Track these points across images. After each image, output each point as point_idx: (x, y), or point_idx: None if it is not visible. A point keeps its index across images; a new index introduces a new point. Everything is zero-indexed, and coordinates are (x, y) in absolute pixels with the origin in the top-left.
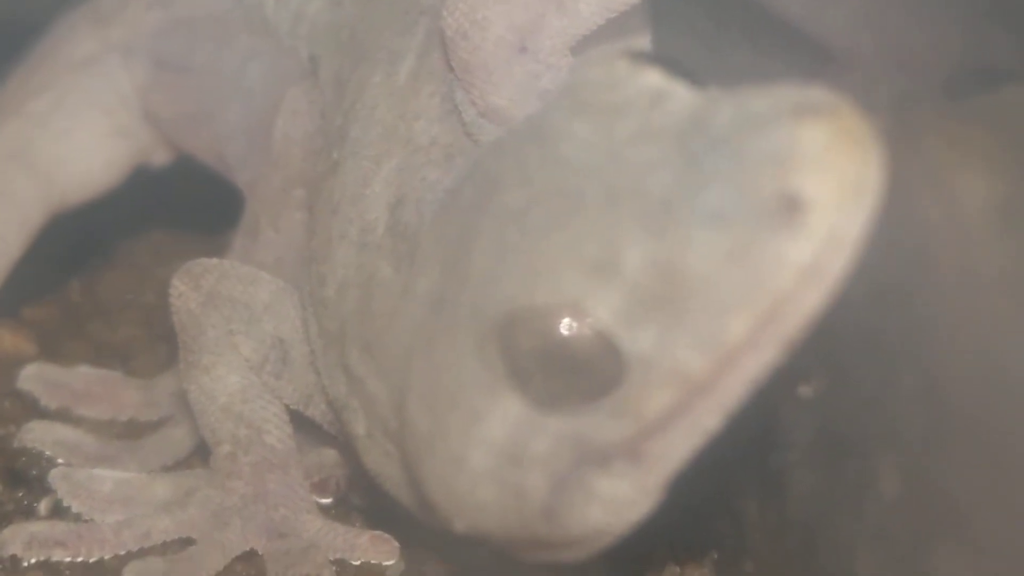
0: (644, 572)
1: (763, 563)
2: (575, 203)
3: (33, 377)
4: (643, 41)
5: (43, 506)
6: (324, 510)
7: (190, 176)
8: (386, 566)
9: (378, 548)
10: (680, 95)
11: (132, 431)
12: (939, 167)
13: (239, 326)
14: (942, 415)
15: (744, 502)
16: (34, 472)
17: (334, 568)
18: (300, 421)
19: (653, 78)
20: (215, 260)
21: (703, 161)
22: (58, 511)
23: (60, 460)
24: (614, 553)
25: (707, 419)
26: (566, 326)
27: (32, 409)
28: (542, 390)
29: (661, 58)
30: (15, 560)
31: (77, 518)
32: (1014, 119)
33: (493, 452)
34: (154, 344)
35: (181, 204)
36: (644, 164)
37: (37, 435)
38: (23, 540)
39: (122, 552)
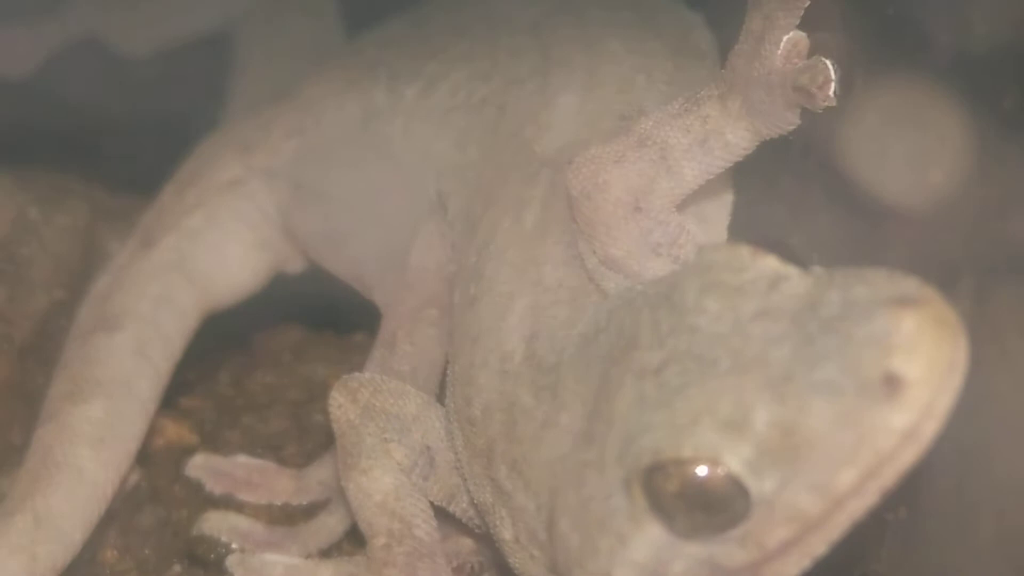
0: None
1: None
2: (708, 368)
3: (200, 466)
4: (728, 197)
5: None
6: None
7: (320, 281)
8: None
9: None
10: (794, 278)
11: (286, 514)
12: (1013, 350)
13: (392, 435)
14: (1013, 555)
15: None
16: (212, 556)
17: None
18: (440, 514)
19: (771, 263)
20: (368, 375)
21: (817, 339)
22: None
23: (234, 545)
24: None
25: (816, 548)
26: (705, 473)
27: (198, 494)
28: (682, 523)
29: (775, 243)
30: None
31: None
32: None
33: (637, 570)
34: (301, 436)
35: (314, 306)
36: (766, 339)
37: (214, 523)
38: None
39: None
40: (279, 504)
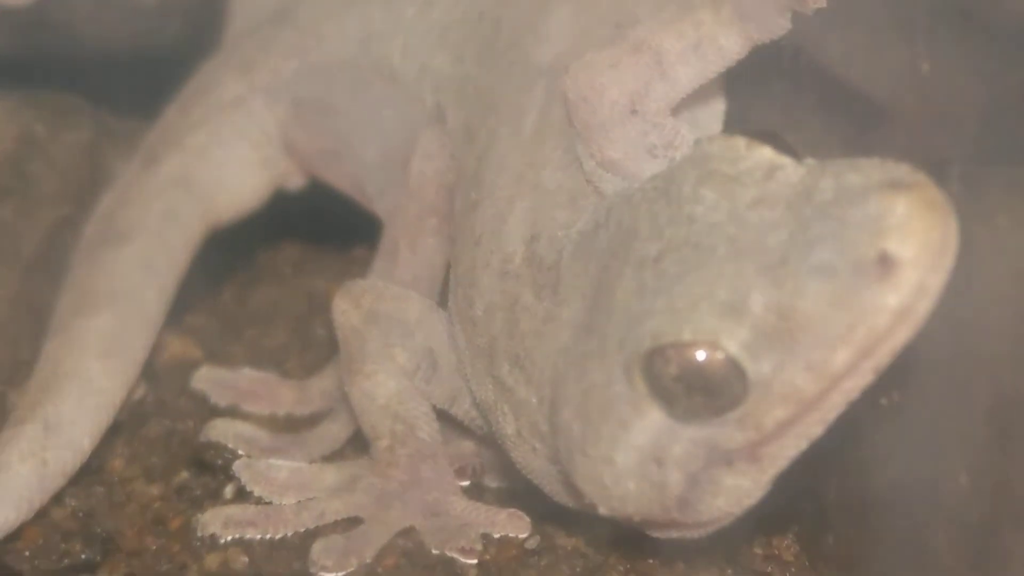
0: (738, 543)
1: (842, 538)
2: (705, 255)
3: (204, 379)
4: (720, 101)
5: (228, 491)
6: (464, 491)
7: (319, 197)
8: (523, 538)
9: (515, 523)
10: (788, 168)
11: (290, 424)
12: (1002, 229)
13: (395, 339)
14: (1007, 421)
15: (826, 485)
16: (219, 462)
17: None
18: (442, 418)
19: (766, 153)
20: (370, 281)
21: (812, 224)
22: (241, 496)
23: (240, 452)
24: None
25: (812, 428)
26: (704, 356)
27: (204, 406)
28: (681, 406)
29: (769, 135)
30: (214, 538)
31: (258, 501)
32: None
33: (638, 454)
34: (303, 349)
35: (314, 222)
36: (763, 225)
37: (220, 430)
38: (221, 521)
39: (301, 530)
40: (282, 414)
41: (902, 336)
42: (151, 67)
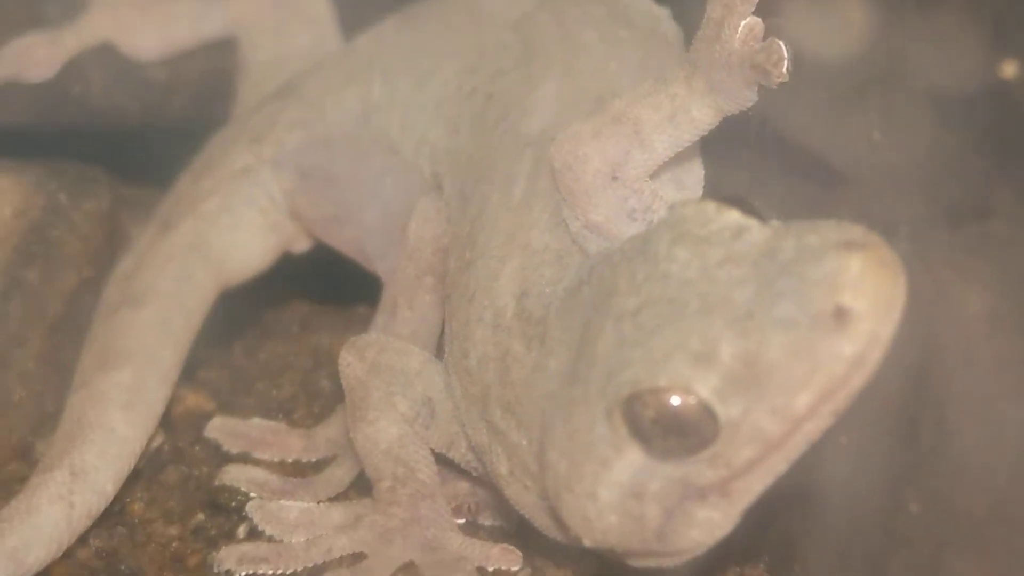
0: (713, 570)
1: (808, 565)
2: (679, 309)
3: (217, 428)
4: (699, 165)
5: (241, 531)
6: (460, 528)
7: (323, 259)
8: (515, 571)
9: (507, 557)
10: (754, 229)
11: (298, 470)
12: (945, 284)
13: (396, 388)
14: (954, 457)
15: (793, 518)
16: (232, 504)
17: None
18: (440, 461)
19: (733, 216)
20: (374, 336)
21: (775, 281)
22: (253, 535)
23: (252, 494)
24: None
25: (778, 466)
26: (678, 400)
27: (218, 454)
28: (658, 446)
29: (737, 200)
30: (229, 573)
31: (270, 540)
32: (999, 249)
33: (619, 490)
34: (310, 400)
35: (318, 283)
36: (731, 281)
37: (234, 475)
38: (235, 558)
39: (310, 564)
40: (291, 460)
41: (858, 381)
42: (163, 138)
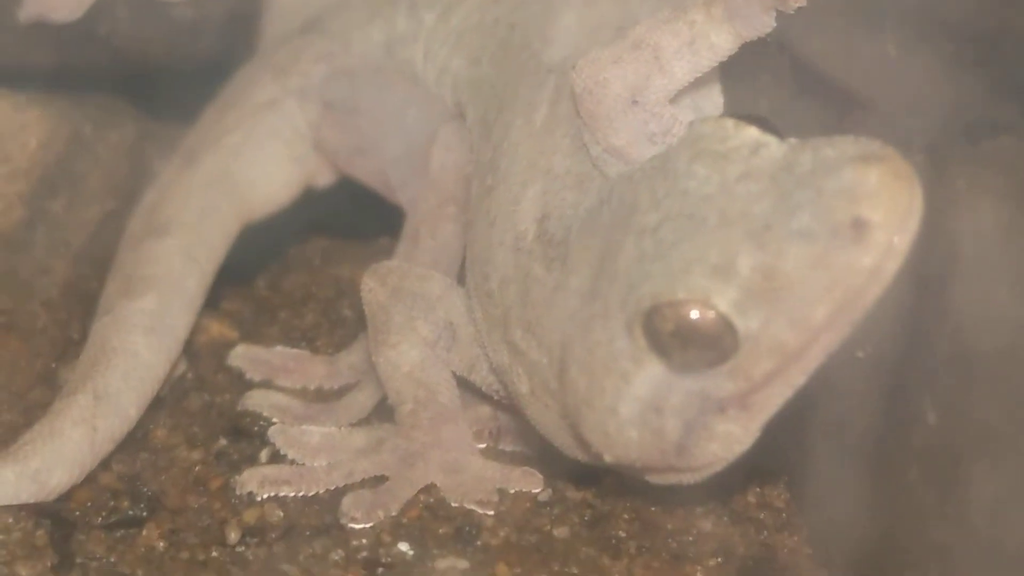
0: (733, 491)
1: (827, 483)
2: (698, 224)
3: (240, 355)
4: (718, 92)
5: (263, 455)
6: (481, 452)
7: (347, 194)
8: (535, 493)
9: (528, 479)
10: (772, 145)
11: (320, 397)
12: (962, 197)
13: (418, 313)
14: (968, 366)
15: (811, 435)
16: (255, 429)
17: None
18: (462, 385)
19: (752, 133)
20: (395, 262)
21: (793, 194)
22: (275, 459)
23: (274, 419)
24: (714, 476)
25: (796, 378)
26: (697, 313)
27: (240, 381)
28: (677, 359)
29: (756, 118)
30: (251, 495)
31: (292, 463)
32: (1012, 163)
33: (639, 404)
34: (332, 328)
35: (340, 216)
36: (749, 196)
37: (256, 400)
38: (257, 480)
39: (332, 488)
40: (313, 387)
41: (875, 292)
42: (188, 76)
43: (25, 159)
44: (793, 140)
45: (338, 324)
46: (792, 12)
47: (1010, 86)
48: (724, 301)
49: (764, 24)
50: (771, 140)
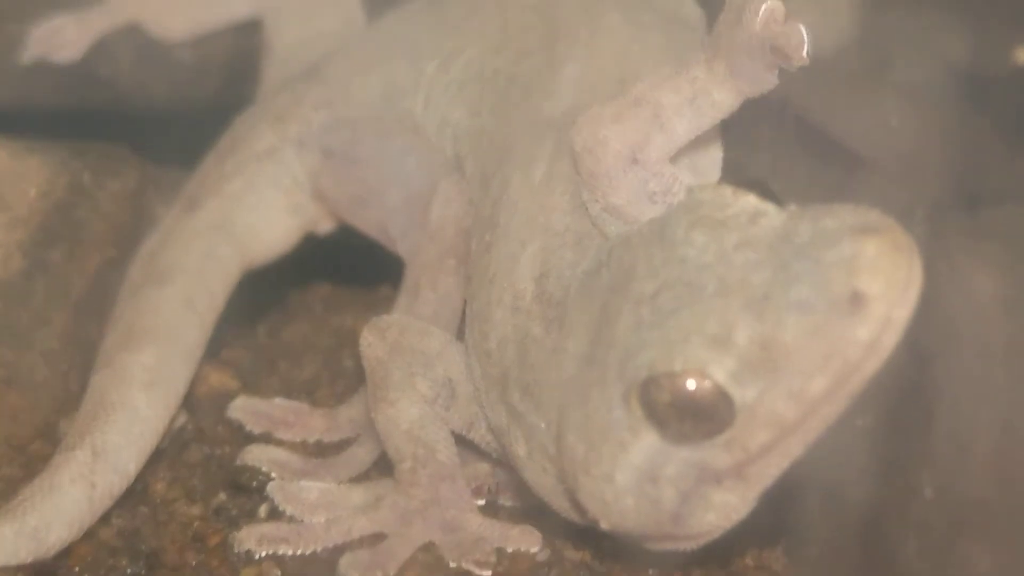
0: (731, 553)
1: (825, 548)
2: (696, 292)
3: (240, 408)
4: (717, 147)
5: (262, 510)
6: (480, 509)
7: (346, 241)
8: (534, 552)
9: (527, 538)
10: (771, 213)
11: (320, 451)
12: (961, 268)
13: (417, 369)
14: (966, 441)
15: (810, 499)
16: (254, 484)
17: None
18: (460, 442)
19: (751, 200)
20: (395, 316)
21: (791, 264)
22: (274, 515)
23: (273, 475)
24: (712, 541)
25: (794, 449)
26: (694, 384)
27: (240, 433)
28: (674, 430)
29: (755, 183)
30: (250, 553)
31: (291, 520)
32: (1014, 234)
33: (636, 473)
34: (333, 379)
35: (341, 264)
36: (747, 265)
37: (255, 455)
38: (256, 538)
39: (330, 545)
40: (312, 440)
41: (873, 365)
42: (190, 119)
43: (24, 207)
44: (792, 207)
45: (339, 375)
46: (795, 69)
47: (1014, 153)
48: (721, 372)
49: (767, 81)
50: (770, 208)
